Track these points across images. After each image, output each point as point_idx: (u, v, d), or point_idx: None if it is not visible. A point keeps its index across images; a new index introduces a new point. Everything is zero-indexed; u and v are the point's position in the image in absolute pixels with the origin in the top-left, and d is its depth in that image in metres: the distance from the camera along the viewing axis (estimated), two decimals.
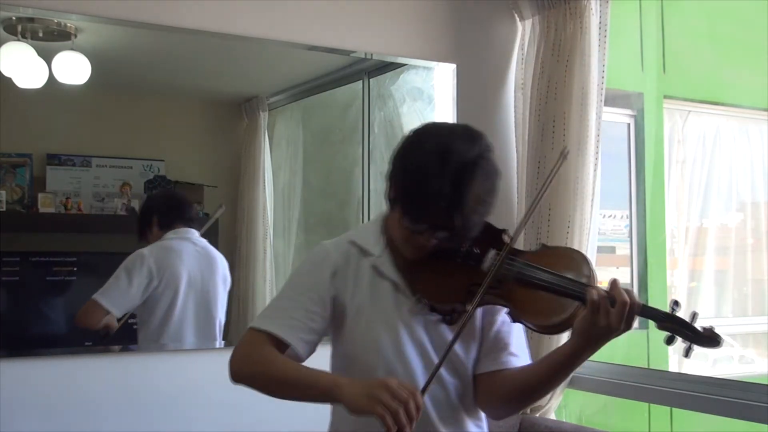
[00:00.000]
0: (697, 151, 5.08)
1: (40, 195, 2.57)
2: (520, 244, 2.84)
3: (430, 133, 1.66)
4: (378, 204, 3.02)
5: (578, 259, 1.67)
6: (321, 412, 1.79)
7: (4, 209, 2.49)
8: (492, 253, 1.66)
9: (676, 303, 1.57)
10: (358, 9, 2.83)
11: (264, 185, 2.96)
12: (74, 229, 2.65)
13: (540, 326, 1.64)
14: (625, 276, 4.74)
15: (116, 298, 2.57)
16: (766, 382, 2.30)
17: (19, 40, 2.43)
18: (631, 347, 4.78)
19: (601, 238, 4.02)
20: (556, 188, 2.72)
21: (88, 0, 2.42)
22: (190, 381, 2.56)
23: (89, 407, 2.40)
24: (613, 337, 1.58)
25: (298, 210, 3.07)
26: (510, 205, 2.98)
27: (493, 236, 1.71)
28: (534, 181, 2.80)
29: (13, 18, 2.41)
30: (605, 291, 1.55)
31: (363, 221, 3.01)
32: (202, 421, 2.54)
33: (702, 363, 5.23)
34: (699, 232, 5.13)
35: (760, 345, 5.37)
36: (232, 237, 2.89)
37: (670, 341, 1.57)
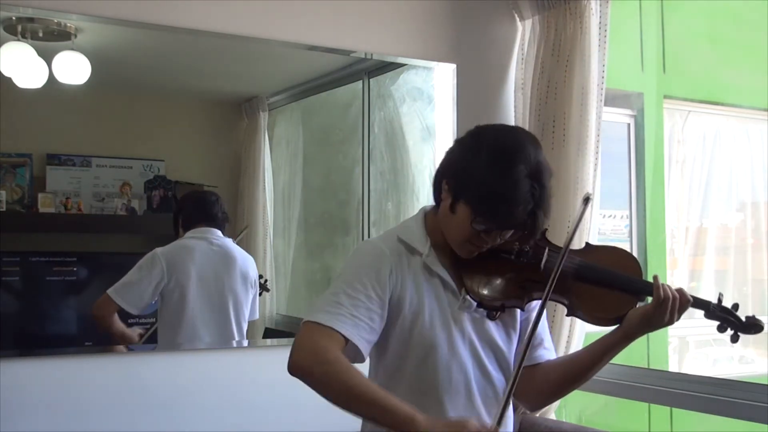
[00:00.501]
0: (697, 151, 5.08)
1: (40, 195, 2.57)
2: None
3: (501, 135, 1.73)
4: (378, 204, 3.02)
5: (627, 258, 1.85)
6: (325, 413, 1.80)
7: (4, 209, 2.49)
8: (546, 251, 1.77)
9: (721, 295, 1.76)
10: (358, 9, 2.83)
11: (264, 185, 2.96)
12: (74, 229, 2.65)
13: (598, 319, 1.79)
14: None
15: (127, 295, 2.58)
16: (766, 382, 2.30)
17: (19, 40, 2.43)
18: (631, 347, 4.77)
19: (601, 238, 4.03)
20: (557, 188, 2.72)
21: (88, 0, 2.42)
22: (191, 381, 2.56)
23: (89, 407, 2.40)
24: (661, 328, 1.77)
25: (298, 210, 3.07)
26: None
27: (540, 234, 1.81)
28: None
29: (13, 18, 2.41)
30: (671, 289, 1.72)
31: (363, 221, 3.01)
32: (203, 422, 2.54)
33: (702, 363, 5.23)
34: (699, 232, 5.13)
35: (760, 345, 5.37)
36: (232, 237, 2.89)
37: (721, 329, 1.77)
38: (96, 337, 2.58)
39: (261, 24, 2.66)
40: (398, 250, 1.75)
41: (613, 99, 4.27)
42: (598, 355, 1.79)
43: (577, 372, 1.82)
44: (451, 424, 1.56)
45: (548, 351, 1.87)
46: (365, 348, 1.66)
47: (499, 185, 1.64)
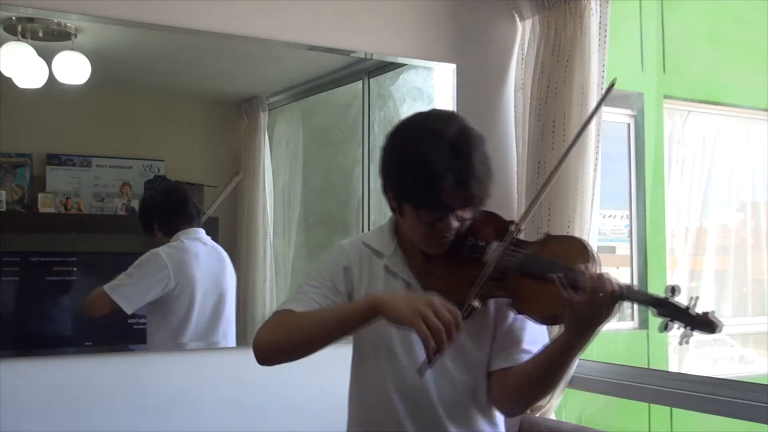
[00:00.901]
0: (697, 151, 5.08)
1: (40, 195, 2.57)
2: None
3: (409, 127, 1.71)
4: (378, 204, 3.02)
5: (578, 247, 1.67)
6: (325, 414, 1.80)
7: (4, 209, 2.49)
8: (494, 244, 1.68)
9: (673, 289, 1.54)
10: (358, 9, 2.83)
11: (264, 185, 2.96)
12: (74, 229, 2.65)
13: (541, 317, 1.65)
14: (625, 276, 4.75)
15: (127, 294, 2.56)
16: (766, 382, 2.29)
17: (19, 40, 2.43)
18: (631, 347, 4.78)
19: (601, 238, 4.02)
20: (556, 188, 2.72)
21: (88, 0, 2.42)
22: (191, 381, 2.56)
23: (89, 407, 2.40)
24: (602, 324, 1.57)
25: (298, 210, 3.07)
26: (510, 204, 2.98)
27: (500, 228, 1.72)
28: (534, 181, 2.80)
29: (13, 18, 2.41)
30: (590, 278, 1.54)
31: (363, 221, 3.01)
32: (203, 422, 2.54)
33: (702, 363, 5.24)
34: (699, 232, 5.13)
35: (760, 345, 5.38)
36: (232, 237, 2.89)
37: (665, 328, 1.53)
38: (96, 337, 2.58)
39: (261, 24, 2.66)
40: (361, 252, 1.80)
41: (613, 99, 4.27)
42: (549, 359, 1.64)
43: (537, 378, 1.68)
44: (417, 298, 1.53)
45: (528, 354, 1.72)
46: None
47: (415, 170, 1.62)
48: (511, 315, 1.73)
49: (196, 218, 2.75)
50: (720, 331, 1.50)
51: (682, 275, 5.05)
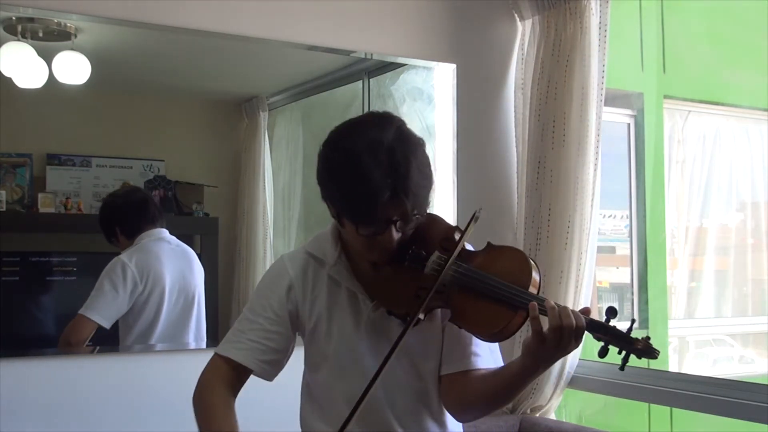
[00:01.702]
0: (697, 151, 5.08)
1: (40, 195, 2.56)
2: (519, 243, 2.84)
3: (341, 136, 1.63)
4: None
5: (522, 263, 1.61)
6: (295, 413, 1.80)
7: (4, 209, 2.49)
8: (435, 255, 1.62)
9: (611, 311, 1.52)
10: (358, 9, 2.83)
11: (264, 185, 2.96)
12: (74, 229, 2.65)
13: (481, 335, 1.61)
14: (625, 276, 4.75)
15: (104, 310, 2.54)
16: (766, 382, 2.30)
17: (19, 40, 2.43)
18: None
19: (601, 238, 4.02)
20: (557, 188, 2.73)
21: (88, 0, 2.42)
22: (190, 381, 2.55)
23: (89, 407, 2.40)
24: (561, 357, 1.54)
25: (298, 210, 3.07)
26: (510, 204, 2.98)
27: (443, 234, 1.66)
28: (534, 180, 2.80)
29: (13, 18, 2.41)
30: (552, 307, 1.49)
31: None
32: None
33: (702, 363, 5.23)
34: (699, 232, 5.13)
35: (760, 345, 5.37)
36: (232, 237, 2.89)
37: (602, 353, 1.52)
38: (96, 337, 2.57)
39: (261, 24, 2.66)
40: (305, 263, 1.75)
41: (613, 99, 4.27)
42: (507, 381, 1.60)
43: (491, 391, 1.64)
44: None
45: (478, 357, 1.68)
46: (264, 369, 1.73)
47: (347, 185, 1.55)
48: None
49: (159, 218, 2.69)
50: (657, 357, 1.48)
51: (682, 275, 5.05)
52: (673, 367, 4.94)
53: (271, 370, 1.74)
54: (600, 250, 3.51)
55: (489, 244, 1.68)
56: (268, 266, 2.96)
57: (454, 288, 1.60)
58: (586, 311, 1.54)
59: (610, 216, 4.76)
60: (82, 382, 2.41)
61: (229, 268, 2.84)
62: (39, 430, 2.33)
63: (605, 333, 1.50)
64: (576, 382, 2.80)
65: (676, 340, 5.11)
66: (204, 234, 2.82)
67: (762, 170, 5.15)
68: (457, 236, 1.65)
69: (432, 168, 1.62)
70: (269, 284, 1.77)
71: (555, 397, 2.79)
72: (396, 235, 1.58)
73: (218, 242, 2.82)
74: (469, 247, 1.70)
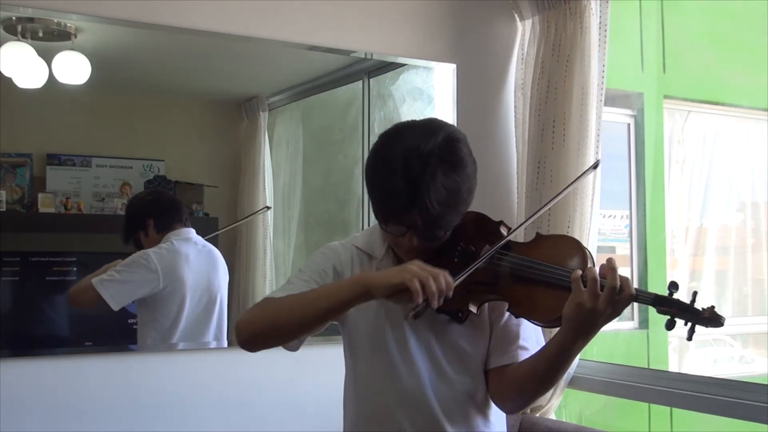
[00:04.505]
0: (697, 151, 5.09)
1: (40, 195, 2.56)
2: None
3: (392, 134, 1.65)
4: None
5: (571, 246, 1.63)
6: (319, 414, 1.80)
7: (4, 209, 2.49)
8: (485, 249, 1.65)
9: (673, 285, 1.52)
10: (358, 9, 2.83)
11: (264, 185, 2.96)
12: (74, 229, 2.65)
13: (541, 321, 1.63)
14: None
15: (115, 291, 2.54)
16: (766, 382, 2.30)
17: (19, 40, 2.43)
18: (631, 347, 4.78)
19: (601, 238, 4.03)
20: (557, 188, 2.72)
21: (88, 0, 2.42)
22: (192, 381, 2.56)
23: (89, 407, 2.40)
24: (603, 324, 1.54)
25: (298, 210, 3.07)
26: (510, 204, 2.98)
27: (490, 230, 1.69)
28: (534, 180, 2.80)
29: (13, 18, 2.41)
30: (594, 274, 1.51)
31: (363, 221, 3.01)
32: (202, 422, 2.54)
33: (702, 363, 5.24)
34: (699, 232, 5.14)
35: (760, 345, 5.38)
36: (232, 237, 2.89)
37: (670, 326, 1.52)
38: (96, 337, 2.58)
39: (261, 24, 2.66)
40: (353, 254, 1.77)
41: (613, 99, 4.27)
42: (549, 358, 1.61)
43: (536, 376, 1.65)
44: (396, 270, 1.49)
45: (526, 351, 1.71)
46: None
47: (372, 188, 1.62)
48: (506, 313, 1.71)
49: (187, 220, 2.73)
50: (723, 324, 1.49)
51: (682, 275, 5.05)
52: (673, 367, 4.94)
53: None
54: (600, 250, 3.52)
55: (538, 234, 1.71)
56: (268, 266, 2.99)
57: (508, 279, 1.61)
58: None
59: (610, 216, 4.76)
60: (82, 382, 2.41)
61: (229, 268, 2.83)
62: (39, 430, 2.33)
63: (671, 306, 1.51)
64: (576, 382, 2.80)
65: (676, 340, 5.11)
66: (204, 234, 2.82)
67: (762, 170, 5.15)
68: (503, 231, 1.69)
69: (468, 188, 1.62)
70: (321, 260, 1.76)
71: (555, 397, 2.79)
72: (416, 241, 1.61)
73: (218, 242, 2.82)
74: (519, 240, 1.73)
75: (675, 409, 4.40)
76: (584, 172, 1.71)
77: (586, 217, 2.71)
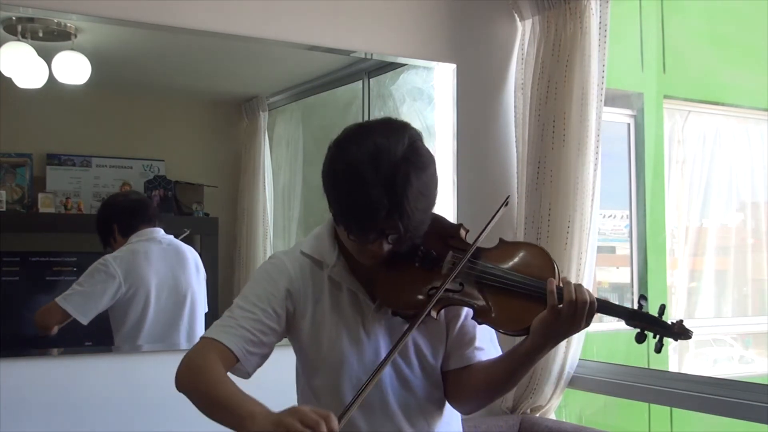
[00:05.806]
0: (697, 151, 5.08)
1: (40, 195, 2.57)
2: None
3: (350, 140, 1.55)
4: None
5: (540, 256, 1.62)
6: None
7: (4, 209, 2.49)
8: (450, 255, 1.61)
9: (642, 298, 1.55)
10: (358, 9, 2.83)
11: (264, 185, 2.96)
12: (74, 229, 2.65)
13: (509, 331, 1.60)
14: (625, 276, 4.75)
15: (80, 304, 2.52)
16: (766, 382, 2.30)
17: (19, 40, 2.43)
18: (631, 347, 4.77)
19: (601, 238, 4.03)
20: (557, 188, 2.72)
21: (88, 0, 2.42)
22: None
23: (89, 407, 2.40)
24: (571, 335, 1.57)
25: (298, 210, 3.07)
26: (510, 204, 2.98)
27: (448, 233, 1.65)
28: (534, 180, 2.80)
29: (13, 18, 2.41)
30: (568, 283, 1.52)
31: None
32: (202, 422, 2.54)
33: (702, 363, 5.23)
34: (699, 232, 5.13)
35: (760, 345, 5.37)
36: (232, 237, 2.89)
37: (640, 339, 1.57)
38: (96, 337, 2.58)
39: (261, 24, 2.66)
40: (302, 264, 1.68)
41: (613, 99, 4.27)
42: (513, 364, 1.60)
43: (498, 380, 1.64)
44: (283, 412, 1.36)
45: (482, 352, 1.69)
46: (250, 360, 1.61)
47: (348, 198, 1.51)
48: (463, 314, 1.69)
49: (156, 219, 2.69)
50: (691, 337, 1.55)
51: (682, 275, 5.05)
52: (673, 367, 4.94)
53: (252, 365, 1.64)
54: (600, 250, 3.52)
55: (501, 240, 1.68)
56: None
57: (472, 285, 1.59)
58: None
59: (610, 216, 4.76)
60: (82, 382, 2.41)
61: (229, 268, 2.83)
62: (39, 430, 2.33)
63: (641, 320, 1.55)
64: (576, 382, 2.81)
65: (673, 342, 5.11)
66: (204, 234, 2.82)
67: (762, 170, 5.15)
68: (462, 233, 1.65)
69: (436, 188, 1.57)
70: (268, 279, 1.67)
71: (555, 397, 2.79)
72: (386, 247, 1.56)
73: (218, 242, 2.82)
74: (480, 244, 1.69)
75: (675, 409, 4.40)
76: (497, 211, 1.68)
77: (586, 216, 2.71)
